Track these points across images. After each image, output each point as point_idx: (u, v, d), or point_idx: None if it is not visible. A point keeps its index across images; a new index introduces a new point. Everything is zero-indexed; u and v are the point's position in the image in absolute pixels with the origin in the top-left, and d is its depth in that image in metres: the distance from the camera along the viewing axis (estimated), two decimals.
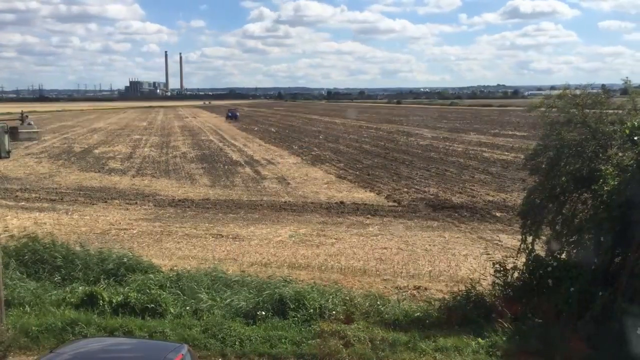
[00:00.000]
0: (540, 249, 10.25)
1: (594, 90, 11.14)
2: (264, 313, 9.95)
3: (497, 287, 10.35)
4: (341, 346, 8.86)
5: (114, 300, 10.33)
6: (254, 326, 9.63)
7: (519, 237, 10.86)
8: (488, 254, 13.20)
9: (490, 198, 24.62)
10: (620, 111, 10.23)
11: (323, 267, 14.43)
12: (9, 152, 40.91)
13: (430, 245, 16.86)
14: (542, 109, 10.85)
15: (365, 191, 26.91)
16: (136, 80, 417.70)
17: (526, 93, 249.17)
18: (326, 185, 28.82)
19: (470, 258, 15.27)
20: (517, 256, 10.54)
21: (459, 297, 10.39)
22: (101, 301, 10.27)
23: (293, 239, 17.70)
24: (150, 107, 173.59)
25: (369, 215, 21.38)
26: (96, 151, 46.36)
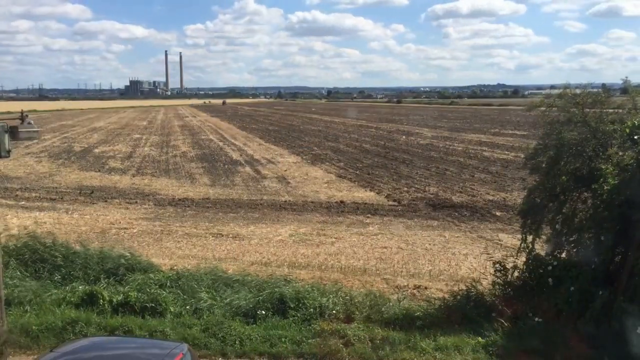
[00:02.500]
0: (540, 248, 10.23)
1: (594, 90, 11.12)
2: (264, 312, 9.94)
3: (497, 287, 10.35)
4: (341, 345, 8.86)
5: (114, 300, 10.33)
6: (254, 325, 9.63)
7: (519, 236, 10.85)
8: (488, 254, 13.22)
9: (491, 197, 24.63)
10: (621, 110, 10.23)
11: (323, 267, 14.42)
12: (9, 152, 40.88)
13: (430, 244, 16.85)
14: (542, 108, 10.81)
15: (366, 190, 26.91)
16: (136, 79, 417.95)
17: (526, 92, 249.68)
18: (326, 185, 28.81)
19: (471, 257, 15.28)
20: (517, 255, 10.52)
21: (459, 297, 10.39)
22: (101, 300, 10.26)
23: (293, 238, 17.69)
24: (150, 106, 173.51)
25: (369, 215, 21.38)
26: (96, 150, 46.33)
